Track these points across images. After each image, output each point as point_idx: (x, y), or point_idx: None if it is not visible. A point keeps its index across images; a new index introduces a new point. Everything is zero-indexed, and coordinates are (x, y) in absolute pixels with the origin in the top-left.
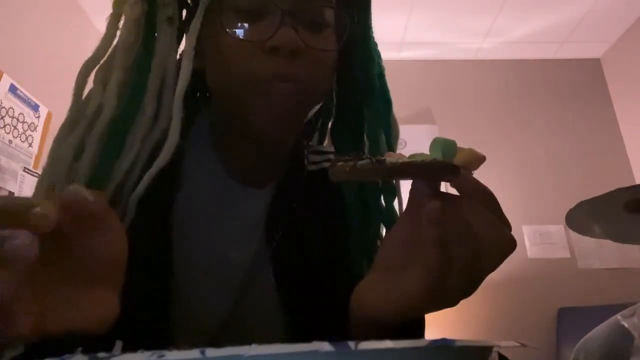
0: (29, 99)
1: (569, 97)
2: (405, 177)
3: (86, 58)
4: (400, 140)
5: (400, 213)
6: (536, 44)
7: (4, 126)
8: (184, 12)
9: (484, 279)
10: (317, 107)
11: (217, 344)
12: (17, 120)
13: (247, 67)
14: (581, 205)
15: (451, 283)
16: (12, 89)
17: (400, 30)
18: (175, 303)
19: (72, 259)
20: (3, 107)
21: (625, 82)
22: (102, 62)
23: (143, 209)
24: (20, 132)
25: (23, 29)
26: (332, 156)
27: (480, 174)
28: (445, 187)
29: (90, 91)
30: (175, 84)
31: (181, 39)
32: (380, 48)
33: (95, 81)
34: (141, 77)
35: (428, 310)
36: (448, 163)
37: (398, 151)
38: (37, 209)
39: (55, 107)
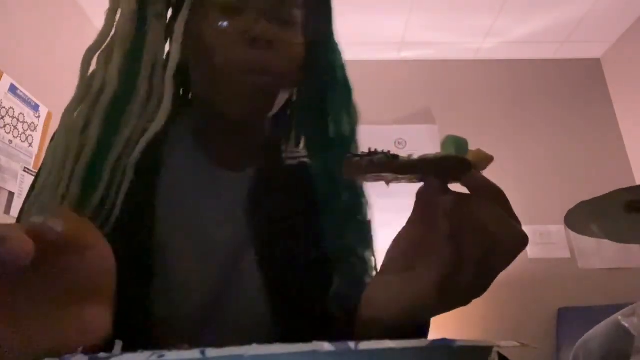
0: (29, 99)
1: (569, 97)
2: (420, 173)
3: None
4: (400, 140)
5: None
6: (536, 44)
7: (4, 126)
8: (170, 11)
9: (496, 276)
10: (286, 96)
11: (201, 324)
12: (17, 120)
13: (228, 56)
14: (581, 205)
15: (464, 281)
16: (12, 89)
17: (400, 30)
18: (158, 283)
19: (55, 280)
20: (3, 107)
21: (625, 82)
22: (102, 48)
23: (130, 188)
24: (20, 132)
25: (23, 29)
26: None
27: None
28: (453, 188)
29: (94, 71)
30: (164, 71)
31: (169, 34)
32: (380, 48)
33: (98, 63)
34: (136, 62)
35: (440, 311)
36: (463, 159)
37: (398, 150)
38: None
39: (55, 107)
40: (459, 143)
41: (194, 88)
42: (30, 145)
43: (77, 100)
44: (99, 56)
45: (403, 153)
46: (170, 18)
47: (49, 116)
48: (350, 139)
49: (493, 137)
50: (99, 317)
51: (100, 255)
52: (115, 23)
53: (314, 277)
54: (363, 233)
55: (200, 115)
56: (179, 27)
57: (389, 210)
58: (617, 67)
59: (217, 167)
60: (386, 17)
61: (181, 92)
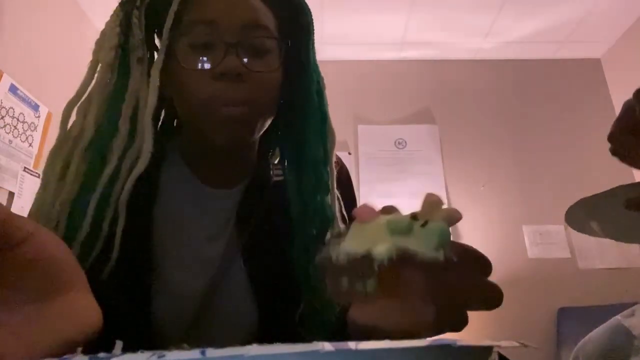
0: (29, 99)
1: (569, 97)
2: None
3: (86, 57)
4: (400, 140)
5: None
6: (536, 44)
7: (4, 126)
8: (156, 54)
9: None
10: (268, 121)
11: (194, 330)
12: (17, 120)
13: (200, 93)
14: (581, 202)
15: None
16: (12, 89)
17: (401, 30)
18: (156, 292)
19: (21, 276)
20: (3, 107)
21: (625, 82)
22: (82, 99)
23: (128, 212)
24: (20, 132)
25: (23, 29)
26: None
27: (480, 174)
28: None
29: (73, 122)
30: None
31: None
32: (380, 48)
33: (77, 115)
34: (116, 106)
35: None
36: (448, 260)
37: (398, 150)
38: None
39: (55, 107)
40: (444, 237)
41: (179, 117)
42: (30, 145)
43: (56, 148)
44: (78, 108)
45: (403, 153)
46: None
47: (49, 116)
48: (322, 163)
49: (493, 137)
50: (81, 302)
51: (50, 239)
52: (96, 74)
53: (296, 288)
54: None
55: (188, 140)
56: (155, 74)
57: None
58: (617, 67)
59: (207, 186)
60: (386, 17)
61: (172, 118)
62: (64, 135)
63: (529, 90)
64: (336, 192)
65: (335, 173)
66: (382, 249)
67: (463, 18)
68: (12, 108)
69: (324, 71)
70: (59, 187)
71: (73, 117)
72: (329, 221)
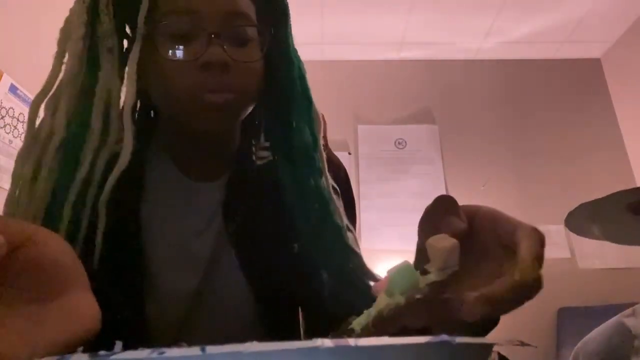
0: (29, 99)
1: (569, 97)
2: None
3: None
4: (400, 140)
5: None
6: (536, 44)
7: (4, 126)
8: (126, 42)
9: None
10: (251, 107)
11: (188, 322)
12: (17, 120)
13: (183, 84)
14: (581, 207)
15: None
16: (12, 89)
17: (400, 30)
18: (146, 291)
19: (24, 277)
20: (3, 107)
21: (625, 82)
22: (50, 94)
23: (113, 212)
24: (20, 132)
25: (23, 29)
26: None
27: (480, 174)
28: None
29: (42, 121)
30: (119, 106)
31: (125, 66)
32: (380, 48)
33: (45, 111)
34: (87, 100)
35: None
36: (410, 302)
37: (398, 150)
38: None
39: None
40: (412, 278)
41: (158, 108)
42: None
43: (25, 150)
44: (46, 103)
45: (403, 153)
46: (125, 50)
47: None
48: (312, 148)
49: (493, 137)
50: (82, 301)
51: (54, 241)
52: (64, 66)
53: (294, 271)
54: (338, 238)
55: (169, 132)
56: (132, 67)
57: (392, 209)
58: (617, 67)
59: (192, 179)
60: (386, 17)
61: (151, 112)
62: (32, 135)
63: (529, 90)
64: (329, 176)
65: (325, 156)
66: (356, 322)
67: (463, 18)
68: (12, 108)
69: (324, 71)
70: (31, 191)
71: (41, 115)
72: (327, 202)
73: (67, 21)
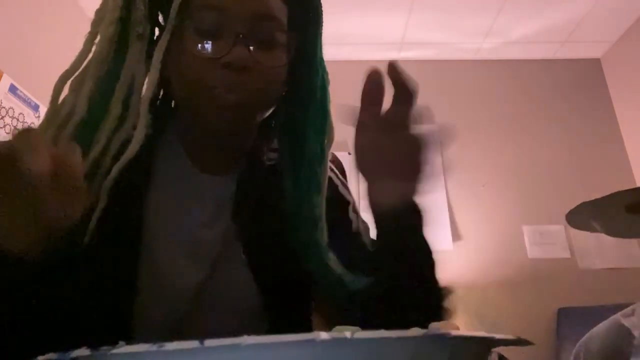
0: (29, 99)
1: (569, 98)
2: None
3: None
4: None
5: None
6: (536, 44)
7: (4, 126)
8: (157, 30)
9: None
10: (268, 111)
11: (187, 320)
12: (17, 120)
13: (202, 79)
14: (582, 206)
15: None
16: (12, 89)
17: (400, 30)
18: (147, 280)
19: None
20: (3, 107)
21: (625, 82)
22: (77, 73)
23: (118, 196)
24: None
25: (23, 29)
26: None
27: (480, 174)
28: None
29: (65, 98)
30: (140, 93)
31: (152, 53)
32: (380, 48)
33: (69, 89)
34: (110, 84)
35: None
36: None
37: None
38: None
39: None
40: None
41: (177, 99)
42: None
43: (44, 126)
44: (71, 82)
45: None
46: (155, 38)
47: None
48: (318, 162)
49: (493, 137)
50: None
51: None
52: (94, 47)
53: (299, 264)
54: (317, 257)
55: (185, 124)
56: (157, 56)
57: None
58: (617, 67)
59: (202, 172)
60: (386, 17)
61: (172, 102)
62: (54, 113)
63: (529, 90)
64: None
65: (327, 172)
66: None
67: (463, 18)
68: (12, 108)
69: None
70: None
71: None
72: (316, 219)
73: (104, 3)
